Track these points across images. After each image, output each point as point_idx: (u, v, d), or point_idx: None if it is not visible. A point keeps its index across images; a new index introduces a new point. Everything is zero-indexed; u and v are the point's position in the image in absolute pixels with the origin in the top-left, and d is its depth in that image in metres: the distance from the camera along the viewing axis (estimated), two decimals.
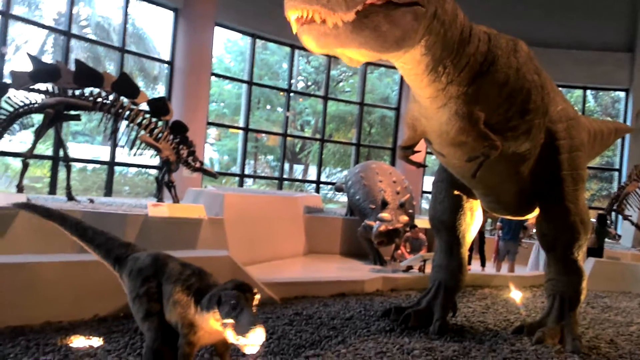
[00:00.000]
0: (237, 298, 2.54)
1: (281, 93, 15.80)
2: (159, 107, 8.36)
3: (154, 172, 11.60)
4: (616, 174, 15.44)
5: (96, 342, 3.57)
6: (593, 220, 9.98)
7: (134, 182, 14.26)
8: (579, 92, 16.32)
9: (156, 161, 8.73)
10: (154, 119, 8.20)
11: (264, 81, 16.41)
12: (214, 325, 2.64)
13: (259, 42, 14.17)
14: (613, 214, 12.64)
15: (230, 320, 2.51)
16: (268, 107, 18.27)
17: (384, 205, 9.51)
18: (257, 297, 2.64)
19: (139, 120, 8.01)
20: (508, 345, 4.11)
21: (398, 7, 2.74)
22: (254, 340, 2.42)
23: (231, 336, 2.51)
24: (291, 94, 15.30)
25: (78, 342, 3.57)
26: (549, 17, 14.84)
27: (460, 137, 3.68)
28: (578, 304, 4.39)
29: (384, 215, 9.38)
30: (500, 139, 3.69)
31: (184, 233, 7.27)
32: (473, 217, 4.70)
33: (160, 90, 15.92)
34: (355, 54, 2.88)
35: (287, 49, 14.50)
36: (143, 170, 13.13)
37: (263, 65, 16.81)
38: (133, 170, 13.54)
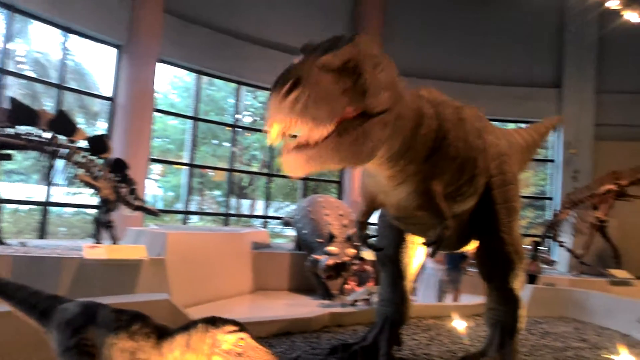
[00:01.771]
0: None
1: (227, 128, 15.74)
2: (98, 144, 8.15)
3: (92, 212, 11.17)
4: (549, 202, 16.26)
5: None
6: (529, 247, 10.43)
7: (71, 223, 13.61)
8: (512, 125, 17.23)
9: (95, 200, 8.42)
10: (92, 157, 7.96)
11: (210, 116, 16.29)
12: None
13: (205, 78, 14.15)
14: (548, 240, 13.23)
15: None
16: (214, 141, 18.11)
17: (331, 238, 9.57)
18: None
19: (76, 158, 7.76)
20: None
21: (370, 118, 2.83)
22: None
23: None
24: (238, 129, 15.28)
25: None
26: (482, 56, 15.74)
27: (419, 212, 3.82)
28: (517, 332, 4.51)
29: (331, 248, 9.42)
30: (451, 204, 3.89)
31: (123, 276, 6.98)
32: (416, 250, 4.78)
33: (101, 127, 15.49)
34: (330, 166, 2.90)
35: (234, 85, 14.55)
36: (80, 210, 12.59)
37: (209, 100, 16.74)
38: (70, 210, 12.96)
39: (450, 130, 3.74)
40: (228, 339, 2.66)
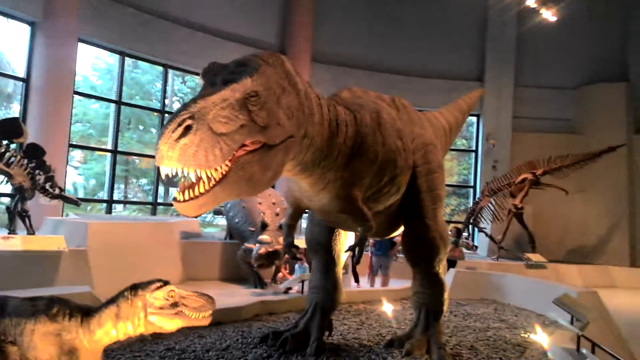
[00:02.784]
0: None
1: (155, 113, 15.14)
2: (11, 128, 7.55)
3: (5, 200, 10.38)
4: (471, 190, 17.10)
5: None
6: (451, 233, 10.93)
7: None
8: None
9: (8, 188, 7.83)
10: (4, 142, 7.38)
11: (135, 101, 15.60)
12: (107, 334, 2.70)
13: (129, 61, 13.48)
14: (470, 227, 13.94)
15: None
16: (140, 127, 17.39)
17: (264, 227, 9.49)
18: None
19: None
20: (380, 359, 4.28)
21: (271, 148, 2.80)
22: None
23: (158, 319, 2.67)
24: (166, 115, 14.74)
25: None
26: (410, 48, 16.16)
27: (342, 214, 3.92)
28: (442, 314, 4.73)
29: (264, 237, 9.35)
30: (375, 205, 4.03)
31: (41, 268, 6.56)
32: (347, 237, 4.86)
33: (15, 110, 14.40)
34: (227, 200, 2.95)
35: (160, 69, 13.99)
36: None
37: (134, 84, 16.01)
38: None
39: (368, 135, 3.82)
40: (158, 295, 2.69)
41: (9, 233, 7.35)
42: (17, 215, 7.59)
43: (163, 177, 2.53)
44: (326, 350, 4.44)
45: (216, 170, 2.58)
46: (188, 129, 2.41)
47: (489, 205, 13.39)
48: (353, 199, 3.79)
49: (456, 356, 4.54)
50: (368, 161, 3.81)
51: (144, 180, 17.85)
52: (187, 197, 2.55)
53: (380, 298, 6.81)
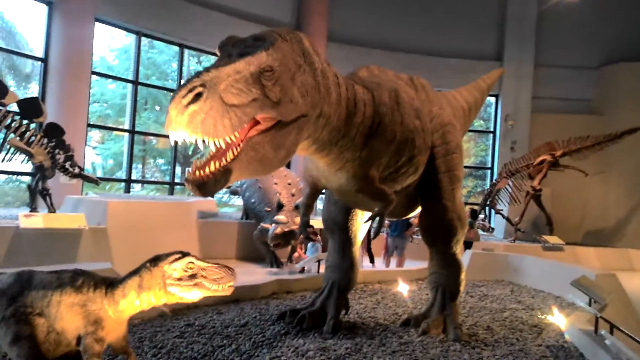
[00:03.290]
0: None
1: (171, 94, 15.18)
2: (31, 108, 7.64)
3: (26, 179, 10.57)
4: (488, 172, 16.94)
5: None
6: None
7: (4, 191, 12.85)
8: None
9: (28, 167, 7.96)
10: (25, 121, 7.48)
11: (151, 81, 15.66)
12: (130, 305, 2.73)
13: (145, 41, 13.49)
14: (487, 208, 13.85)
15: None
16: (157, 108, 17.48)
17: (280, 207, 9.54)
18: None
19: (7, 122, 7.26)
20: (397, 338, 4.31)
21: (284, 126, 2.76)
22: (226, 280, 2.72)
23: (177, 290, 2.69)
24: None
25: None
26: (429, 27, 15.89)
27: (360, 194, 3.89)
28: (458, 294, 4.73)
29: (280, 217, 9.41)
30: (392, 185, 4.00)
31: (62, 245, 6.70)
32: (364, 217, 4.85)
33: (34, 90, 14.55)
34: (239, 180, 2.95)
35: (176, 48, 13.98)
36: (14, 177, 11.88)
37: (150, 64, 16.04)
38: (2, 177, 12.21)
39: (386, 115, 3.78)
40: (176, 267, 2.71)
41: (30, 211, 7.50)
42: (38, 194, 7.72)
43: (172, 143, 2.53)
44: (342, 328, 4.48)
45: (227, 148, 2.57)
46: (198, 96, 2.39)
47: (507, 187, 13.28)
48: (371, 179, 3.78)
49: (472, 336, 4.54)
50: (386, 141, 3.77)
51: (160, 161, 18.01)
52: (198, 176, 2.55)
53: (396, 278, 6.83)
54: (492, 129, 16.77)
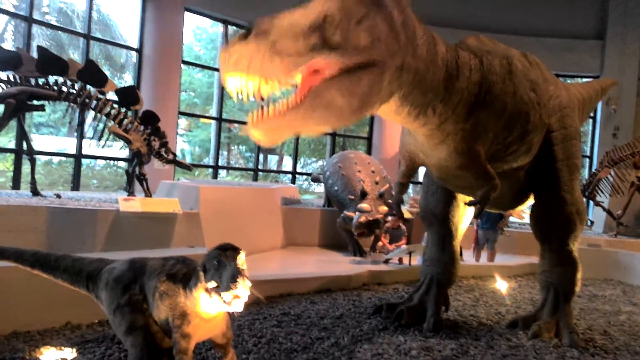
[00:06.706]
0: (219, 256, 2.32)
1: None
2: (129, 96, 7.95)
3: (123, 164, 11.13)
4: (587, 160, 15.71)
5: (69, 353, 3.26)
6: None
7: (102, 176, 13.67)
8: None
9: (125, 153, 8.33)
10: (123, 109, 7.80)
11: None
12: (206, 305, 2.43)
13: (230, 29, 13.73)
14: (585, 200, 12.84)
15: (214, 284, 2.30)
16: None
17: (363, 195, 9.35)
18: (242, 254, 2.36)
19: (107, 110, 7.61)
20: (505, 340, 3.99)
21: (352, 72, 2.50)
22: (237, 293, 2.21)
23: (218, 301, 2.30)
24: None
25: (49, 353, 3.25)
26: (521, 5, 14.88)
27: (461, 171, 3.57)
28: (573, 295, 4.31)
29: (364, 205, 9.22)
30: (499, 165, 3.65)
31: (158, 229, 6.93)
32: (465, 209, 4.54)
33: (127, 80, 15.34)
34: (308, 130, 2.67)
35: None
36: (112, 162, 12.60)
37: None
38: (101, 163, 12.98)
39: (496, 83, 3.42)
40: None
41: (128, 195, 7.84)
42: (136, 179, 8.05)
43: (228, 89, 2.42)
44: (443, 326, 4.22)
45: (296, 93, 2.41)
46: (247, 39, 2.28)
47: (608, 177, 12.22)
48: (475, 154, 3.44)
49: (589, 342, 4.12)
50: (495, 112, 3.43)
51: (243, 147, 18.42)
52: (259, 118, 2.40)
53: (492, 274, 6.44)
54: (592, 114, 15.49)
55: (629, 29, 14.55)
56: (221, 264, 2.29)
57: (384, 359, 3.42)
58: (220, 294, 2.27)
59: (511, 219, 10.61)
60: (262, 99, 2.46)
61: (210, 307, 2.44)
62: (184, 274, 2.54)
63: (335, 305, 4.72)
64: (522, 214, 9.73)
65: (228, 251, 2.33)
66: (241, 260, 2.32)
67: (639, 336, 4.43)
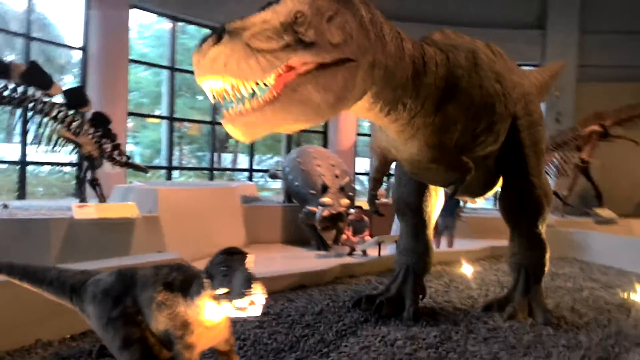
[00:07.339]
0: (227, 262, 2.24)
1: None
2: (77, 98, 7.62)
3: (70, 169, 10.61)
4: None
5: None
6: None
7: (49, 182, 12.98)
8: None
9: (73, 158, 7.94)
10: (71, 112, 7.43)
11: (184, 67, 15.53)
12: (212, 313, 2.34)
13: (176, 26, 13.32)
14: None
15: (224, 290, 2.20)
16: (188, 95, 17.40)
17: (325, 189, 9.37)
18: (251, 258, 2.30)
19: (54, 113, 7.22)
20: (482, 324, 4.08)
21: (327, 68, 2.50)
22: (253, 299, 2.13)
23: (230, 308, 2.20)
24: None
25: None
26: None
27: (434, 164, 3.62)
28: (542, 276, 4.47)
29: (326, 199, 9.24)
30: (469, 155, 3.69)
31: (116, 235, 6.65)
32: (437, 198, 4.60)
33: (68, 81, 14.61)
34: (286, 126, 2.61)
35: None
36: (57, 168, 11.98)
37: (183, 50, 15.89)
38: (45, 169, 12.33)
39: (462, 77, 3.48)
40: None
41: (80, 202, 7.48)
42: (88, 184, 7.70)
43: (204, 90, 2.37)
44: (422, 314, 4.27)
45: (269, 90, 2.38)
46: (220, 41, 2.23)
47: (554, 159, 12.77)
48: (446, 147, 3.51)
49: (560, 318, 4.28)
50: (462, 105, 3.49)
51: (193, 146, 18.00)
52: (235, 114, 2.37)
53: (457, 259, 6.58)
54: None
55: (567, 19, 15.25)
56: (230, 269, 2.21)
57: (372, 352, 3.41)
58: (232, 301, 2.17)
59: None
60: (239, 97, 2.39)
61: (216, 315, 2.36)
62: (181, 282, 2.44)
63: (313, 301, 4.68)
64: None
65: (236, 255, 2.26)
66: (250, 263, 2.26)
67: (604, 310, 4.65)
